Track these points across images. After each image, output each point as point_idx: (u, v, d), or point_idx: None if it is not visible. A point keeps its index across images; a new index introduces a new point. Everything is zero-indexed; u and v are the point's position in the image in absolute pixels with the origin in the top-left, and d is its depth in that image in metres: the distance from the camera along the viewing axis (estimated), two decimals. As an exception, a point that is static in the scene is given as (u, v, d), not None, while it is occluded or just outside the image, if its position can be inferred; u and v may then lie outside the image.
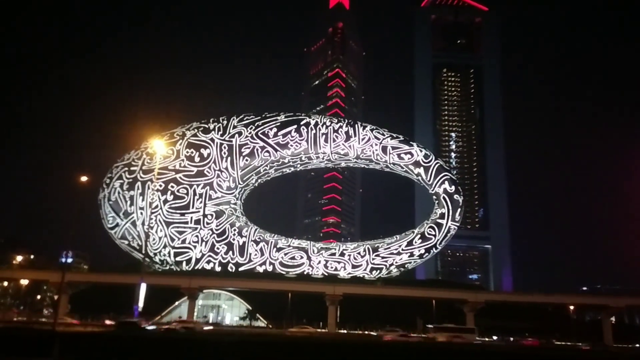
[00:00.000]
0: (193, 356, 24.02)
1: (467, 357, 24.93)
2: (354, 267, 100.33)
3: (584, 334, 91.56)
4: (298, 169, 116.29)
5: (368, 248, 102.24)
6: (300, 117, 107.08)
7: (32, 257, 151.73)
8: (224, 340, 26.32)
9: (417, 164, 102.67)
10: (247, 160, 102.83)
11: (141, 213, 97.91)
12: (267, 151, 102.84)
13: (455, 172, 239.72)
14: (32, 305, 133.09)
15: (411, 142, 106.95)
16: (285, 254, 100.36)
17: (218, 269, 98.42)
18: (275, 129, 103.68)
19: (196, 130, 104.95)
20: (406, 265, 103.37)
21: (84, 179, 49.75)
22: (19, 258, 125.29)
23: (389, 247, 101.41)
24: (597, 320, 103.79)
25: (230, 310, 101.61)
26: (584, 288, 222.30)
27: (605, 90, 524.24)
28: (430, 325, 72.29)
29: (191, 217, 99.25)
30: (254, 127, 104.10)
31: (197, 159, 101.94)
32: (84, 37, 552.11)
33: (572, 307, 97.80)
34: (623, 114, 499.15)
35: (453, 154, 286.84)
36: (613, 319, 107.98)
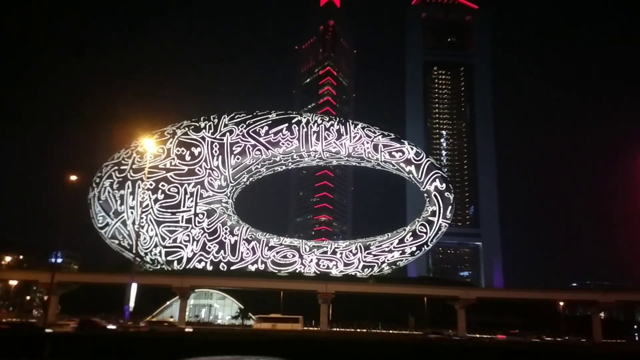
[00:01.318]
0: (184, 356, 23.90)
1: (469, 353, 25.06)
2: (346, 265, 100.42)
3: (574, 329, 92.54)
4: (289, 167, 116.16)
5: (360, 246, 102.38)
6: (291, 115, 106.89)
7: (21, 257, 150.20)
8: (217, 340, 26.24)
9: (408, 161, 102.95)
10: (238, 158, 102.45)
11: (131, 212, 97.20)
12: (259, 149, 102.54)
13: (446, 169, 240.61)
14: (21, 306, 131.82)
15: (402, 140, 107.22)
16: (277, 253, 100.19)
17: (210, 268, 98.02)
18: (266, 127, 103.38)
19: (187, 128, 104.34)
20: (398, 263, 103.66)
21: (73, 178, 49.31)
22: (8, 258, 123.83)
23: (381, 245, 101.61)
24: (587, 316, 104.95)
25: (222, 310, 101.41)
26: (574, 284, 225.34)
27: (597, 87, 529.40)
28: (256, 316, 73.38)
29: (182, 216, 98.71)
30: (245, 126, 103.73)
31: (188, 157, 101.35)
32: (75, 36, 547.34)
33: (562, 303, 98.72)
34: (615, 111, 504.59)
35: (444, 152, 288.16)
36: (602, 314, 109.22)
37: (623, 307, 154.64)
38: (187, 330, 60.82)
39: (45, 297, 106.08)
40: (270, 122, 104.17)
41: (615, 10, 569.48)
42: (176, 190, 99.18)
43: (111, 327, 59.65)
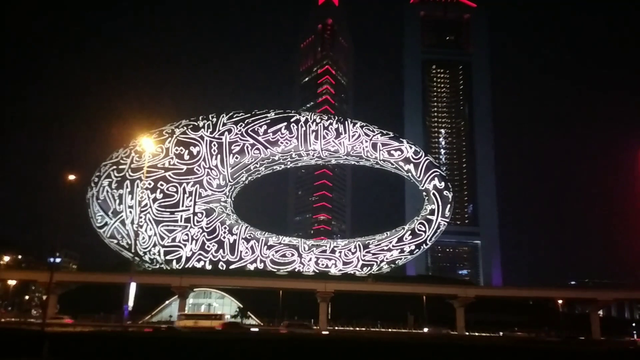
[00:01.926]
0: (186, 356, 23.85)
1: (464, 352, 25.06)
2: (344, 264, 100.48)
3: (572, 327, 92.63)
4: (288, 166, 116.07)
5: (359, 245, 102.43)
6: (290, 114, 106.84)
7: (19, 257, 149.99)
8: (218, 339, 26.19)
9: (407, 160, 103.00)
10: (237, 157, 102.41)
11: (130, 212, 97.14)
12: (257, 148, 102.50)
13: (444, 168, 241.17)
14: (20, 306, 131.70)
15: (401, 139, 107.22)
16: (276, 252, 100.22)
17: (209, 267, 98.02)
18: (265, 126, 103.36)
19: (185, 127, 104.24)
20: (397, 262, 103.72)
21: (72, 177, 49.16)
22: (7, 258, 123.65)
23: (380, 244, 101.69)
24: (585, 314, 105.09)
25: (221, 309, 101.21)
26: (573, 282, 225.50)
27: (596, 85, 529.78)
28: (177, 313, 72.83)
29: (181, 216, 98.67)
30: (243, 125, 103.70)
31: (186, 156, 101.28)
32: (72, 32, 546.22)
33: (560, 301, 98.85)
34: (614, 110, 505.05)
35: (442, 151, 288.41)
36: (601, 312, 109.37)
37: (621, 305, 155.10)
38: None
39: (44, 297, 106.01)
40: (268, 121, 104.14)
41: (615, 8, 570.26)
42: (175, 189, 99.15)
43: (255, 329, 64.35)
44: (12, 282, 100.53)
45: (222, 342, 25.56)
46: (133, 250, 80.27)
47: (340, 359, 23.61)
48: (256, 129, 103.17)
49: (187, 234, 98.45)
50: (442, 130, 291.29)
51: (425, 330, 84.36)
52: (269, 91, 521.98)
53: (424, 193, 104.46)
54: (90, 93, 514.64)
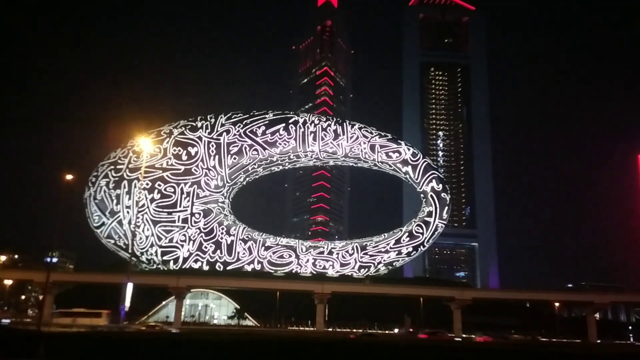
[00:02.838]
0: (183, 356, 23.84)
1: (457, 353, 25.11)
2: (342, 265, 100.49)
3: (569, 330, 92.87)
4: (286, 168, 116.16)
5: (356, 246, 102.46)
6: (288, 116, 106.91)
7: (16, 256, 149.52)
8: (217, 340, 26.17)
9: (404, 162, 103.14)
10: (235, 158, 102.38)
11: (128, 212, 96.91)
12: (256, 149, 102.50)
13: (442, 170, 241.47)
14: (16, 306, 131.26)
15: (399, 141, 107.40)
16: (274, 253, 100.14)
17: (206, 268, 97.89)
18: (263, 127, 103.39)
19: (183, 128, 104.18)
20: (394, 263, 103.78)
21: (69, 177, 49.04)
22: (3, 258, 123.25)
23: (377, 245, 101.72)
24: (581, 317, 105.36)
25: (218, 310, 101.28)
26: (570, 285, 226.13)
27: (592, 87, 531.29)
28: (56, 311, 68.86)
29: (178, 216, 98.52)
30: (242, 125, 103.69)
31: (184, 157, 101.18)
32: (70, 31, 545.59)
33: (557, 304, 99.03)
34: (612, 112, 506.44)
35: (440, 153, 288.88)
36: (597, 315, 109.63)
37: (618, 308, 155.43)
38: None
39: (41, 297, 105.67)
40: (267, 122, 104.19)
41: (613, 10, 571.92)
42: (172, 189, 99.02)
43: (458, 339, 66.14)
44: (8, 282, 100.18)
45: (221, 342, 25.55)
46: (130, 251, 79.92)
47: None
48: (254, 130, 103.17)
49: (184, 235, 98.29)
50: (440, 132, 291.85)
51: (396, 331, 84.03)
52: (268, 92, 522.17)
53: (422, 195, 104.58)
54: (88, 92, 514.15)
